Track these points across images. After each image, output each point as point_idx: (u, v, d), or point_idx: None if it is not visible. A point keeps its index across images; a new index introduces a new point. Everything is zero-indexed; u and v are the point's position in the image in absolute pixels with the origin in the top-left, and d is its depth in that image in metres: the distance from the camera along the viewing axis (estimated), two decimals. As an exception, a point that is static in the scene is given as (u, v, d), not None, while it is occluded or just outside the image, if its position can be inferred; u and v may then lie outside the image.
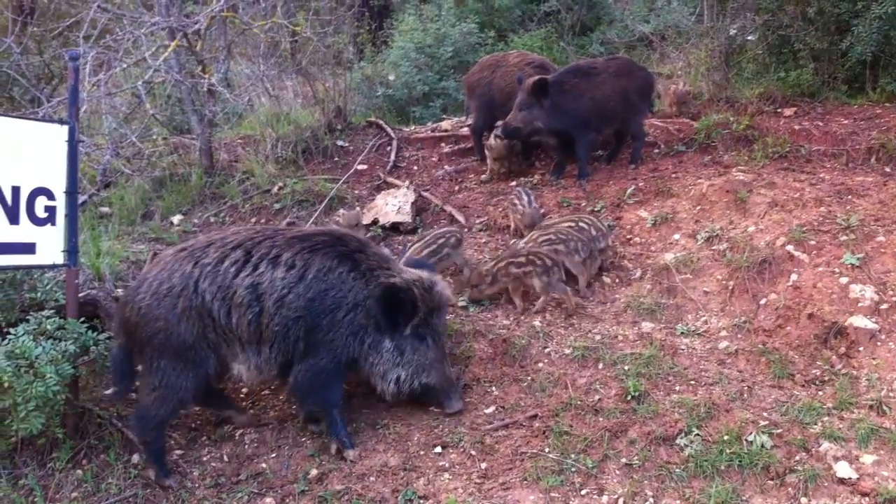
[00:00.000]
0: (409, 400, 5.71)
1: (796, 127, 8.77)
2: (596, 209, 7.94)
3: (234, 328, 5.31)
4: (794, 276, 6.48)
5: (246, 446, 5.72)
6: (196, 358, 5.34)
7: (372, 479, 5.31)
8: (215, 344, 5.35)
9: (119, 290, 6.80)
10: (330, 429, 5.52)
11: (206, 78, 8.28)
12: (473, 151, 9.42)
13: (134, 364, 5.53)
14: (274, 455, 5.62)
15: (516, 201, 7.74)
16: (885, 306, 6.06)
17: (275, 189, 8.38)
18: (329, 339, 5.36)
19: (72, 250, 5.67)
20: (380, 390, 5.60)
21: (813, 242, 6.71)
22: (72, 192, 5.69)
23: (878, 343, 5.83)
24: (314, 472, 5.39)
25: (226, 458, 5.64)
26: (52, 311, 5.77)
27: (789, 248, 6.72)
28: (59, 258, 5.67)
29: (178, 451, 5.73)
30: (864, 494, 4.68)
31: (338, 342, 5.37)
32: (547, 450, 5.38)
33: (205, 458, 5.66)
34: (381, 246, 5.89)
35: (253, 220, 8.15)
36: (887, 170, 7.79)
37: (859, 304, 6.09)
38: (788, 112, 9.34)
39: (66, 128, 5.69)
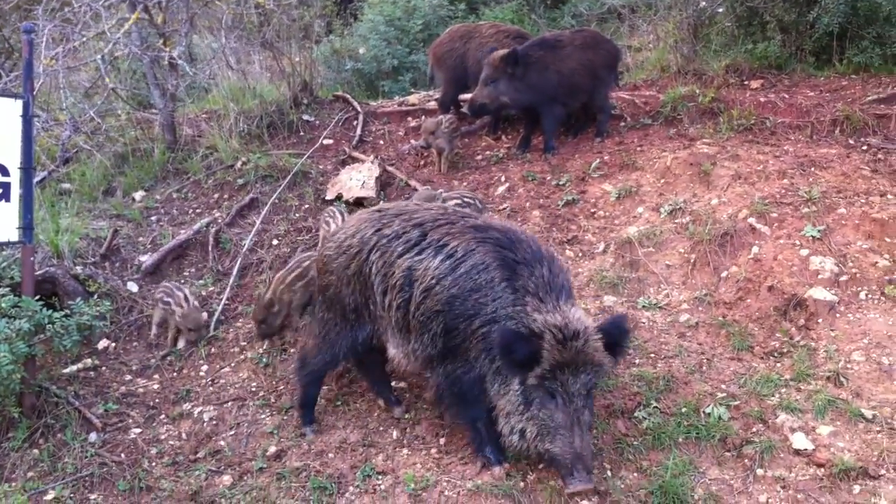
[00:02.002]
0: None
1: (762, 99, 8.75)
2: (561, 183, 7.91)
3: (387, 309, 5.05)
4: (755, 249, 6.48)
5: (204, 424, 5.71)
6: (355, 322, 5.24)
7: (330, 455, 5.30)
8: (374, 317, 5.18)
9: (78, 268, 6.74)
10: (472, 444, 5.06)
11: (168, 51, 8.16)
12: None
13: None
14: (232, 433, 5.61)
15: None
16: (844, 278, 6.09)
17: (238, 164, 8.29)
18: (465, 347, 4.79)
19: (27, 227, 5.61)
20: (502, 432, 4.80)
21: (775, 215, 6.71)
22: (27, 167, 5.62)
23: (837, 315, 5.85)
24: (272, 449, 5.38)
25: (184, 437, 5.63)
26: (6, 289, 5.72)
27: (751, 220, 6.73)
28: (14, 235, 5.60)
29: (136, 430, 5.70)
30: (820, 465, 4.72)
31: (472, 353, 4.78)
32: (506, 424, 5.38)
33: (163, 437, 5.64)
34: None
35: (216, 195, 8.07)
36: (851, 142, 7.80)
37: (819, 276, 6.11)
38: (755, 84, 9.33)
39: (20, 102, 5.62)
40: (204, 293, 6.96)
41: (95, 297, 6.50)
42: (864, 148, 7.67)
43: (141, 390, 6.10)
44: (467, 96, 9.41)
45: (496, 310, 4.67)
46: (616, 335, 4.63)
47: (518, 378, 4.60)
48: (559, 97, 8.38)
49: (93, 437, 5.59)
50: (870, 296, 5.95)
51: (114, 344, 6.55)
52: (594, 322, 4.71)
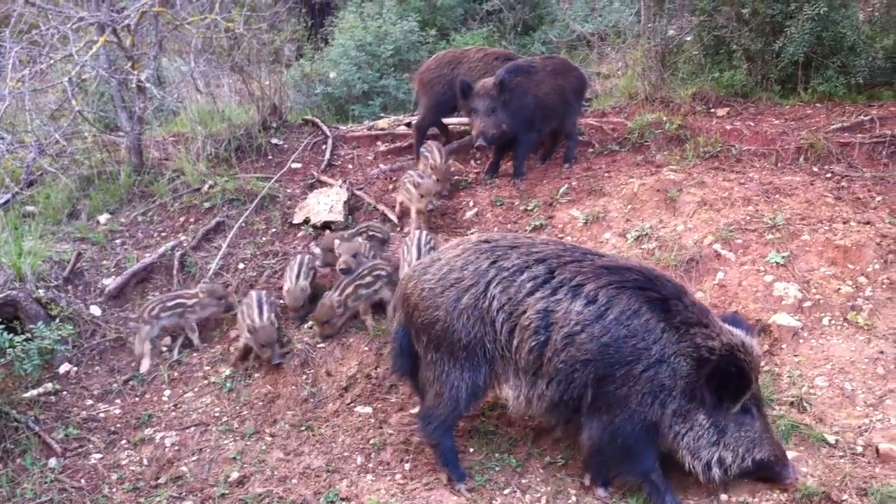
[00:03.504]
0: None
1: (728, 127, 8.84)
2: (529, 208, 7.93)
3: (513, 349, 4.77)
4: (720, 275, 6.52)
5: (166, 450, 5.64)
6: (466, 361, 4.89)
7: (294, 481, 5.25)
8: (491, 356, 4.86)
9: (41, 291, 6.66)
10: (652, 498, 4.79)
11: (136, 74, 8.11)
12: (410, 150, 9.33)
13: (413, 345, 5.15)
14: (194, 458, 5.54)
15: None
16: (808, 304, 6.13)
17: (205, 188, 8.24)
18: (622, 394, 4.61)
19: (-14, 249, 5.54)
20: (694, 471, 4.68)
21: (740, 241, 6.76)
22: (-12, 190, 5.56)
23: (801, 340, 5.88)
24: (235, 475, 5.33)
25: (145, 462, 5.56)
26: (-35, 313, 5.64)
27: (716, 246, 6.77)
28: (-26, 258, 5.53)
29: (97, 455, 5.63)
30: (784, 490, 4.72)
31: (632, 400, 4.60)
32: (472, 450, 5.39)
33: (124, 462, 5.57)
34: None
35: (182, 219, 8.01)
36: (815, 169, 7.88)
37: (783, 302, 6.15)
38: (721, 112, 9.42)
39: (-19, 125, 5.56)
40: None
41: (58, 320, 6.44)
42: (828, 176, 7.75)
43: (102, 415, 6.02)
44: (451, 121, 9.47)
45: (662, 351, 4.55)
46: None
47: (706, 411, 4.56)
48: (535, 123, 8.42)
49: (53, 462, 5.51)
50: (833, 322, 5.99)
51: (75, 368, 6.47)
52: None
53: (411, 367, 5.27)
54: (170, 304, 6.65)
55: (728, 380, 4.44)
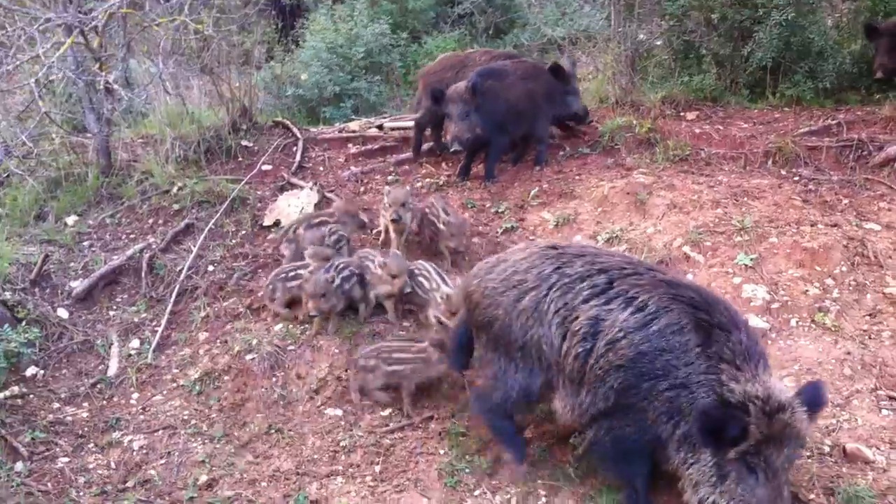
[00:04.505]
0: None
1: (697, 130, 8.91)
2: (500, 210, 7.95)
3: (562, 356, 4.72)
4: (689, 277, 6.55)
5: (134, 453, 5.60)
6: (521, 363, 4.90)
7: (263, 484, 5.24)
8: (546, 363, 4.82)
9: (7, 294, 6.58)
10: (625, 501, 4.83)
11: (104, 76, 8.03)
12: (382, 152, 9.31)
13: (471, 341, 5.31)
14: (163, 462, 5.50)
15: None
16: (776, 305, 6.20)
17: (174, 190, 8.16)
18: (642, 406, 4.49)
19: (-48, 252, 5.47)
20: (689, 502, 4.47)
21: (709, 243, 6.82)
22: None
23: (769, 342, 5.94)
24: (204, 478, 5.30)
25: (113, 466, 5.52)
26: (-71, 315, 5.56)
27: (686, 248, 6.83)
28: (-62, 260, 5.46)
29: (64, 459, 5.57)
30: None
31: (649, 415, 4.48)
32: (442, 451, 5.39)
33: (91, 466, 5.52)
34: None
35: (150, 221, 7.93)
36: (783, 172, 7.95)
37: (751, 304, 6.22)
38: (691, 116, 9.48)
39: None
40: (136, 320, 6.83)
41: (24, 323, 6.37)
42: (796, 179, 7.83)
43: (69, 418, 5.95)
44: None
45: (688, 375, 4.36)
46: (816, 405, 4.33)
47: (711, 450, 4.27)
48: (507, 126, 8.44)
49: (19, 466, 5.44)
50: (800, 323, 6.06)
51: (42, 371, 6.38)
52: (794, 391, 4.39)
53: (468, 363, 5.58)
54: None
55: (715, 426, 4.13)
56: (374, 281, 6.54)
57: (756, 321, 6.05)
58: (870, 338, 5.91)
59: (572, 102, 8.84)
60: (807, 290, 6.30)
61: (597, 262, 4.77)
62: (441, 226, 7.16)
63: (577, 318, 4.63)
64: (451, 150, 8.27)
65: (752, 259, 6.56)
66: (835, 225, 6.87)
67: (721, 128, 8.98)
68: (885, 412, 5.32)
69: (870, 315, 6.09)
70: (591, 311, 4.59)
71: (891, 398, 5.42)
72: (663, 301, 4.50)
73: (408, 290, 6.49)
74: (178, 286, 7.10)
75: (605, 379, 4.55)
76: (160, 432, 5.75)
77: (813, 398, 4.30)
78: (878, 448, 5.01)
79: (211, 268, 7.35)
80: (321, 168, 9.01)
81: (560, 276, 4.76)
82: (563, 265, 4.80)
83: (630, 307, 4.52)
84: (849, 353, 5.76)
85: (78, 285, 7.07)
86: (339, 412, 5.81)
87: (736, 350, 4.33)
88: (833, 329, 5.99)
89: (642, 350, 4.44)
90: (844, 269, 6.43)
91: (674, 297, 4.51)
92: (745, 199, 7.40)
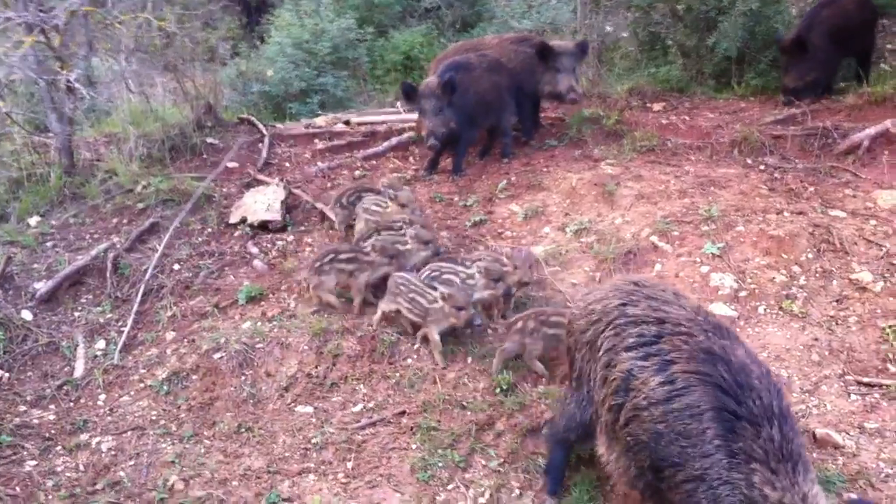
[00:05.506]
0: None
1: (664, 121, 8.95)
2: (468, 203, 7.93)
3: (600, 401, 4.35)
4: (658, 266, 6.58)
5: (103, 455, 5.52)
6: (579, 393, 4.61)
7: (235, 483, 5.19)
8: (594, 402, 4.46)
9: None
10: None
11: (65, 74, 7.92)
12: (349, 147, 9.27)
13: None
14: (132, 463, 5.43)
15: None
16: (743, 293, 6.22)
17: (138, 188, 8.06)
18: (673, 498, 3.97)
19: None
20: None
21: (676, 233, 6.84)
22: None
23: (738, 329, 5.94)
24: (174, 478, 5.22)
25: (81, 468, 5.43)
26: None
27: (653, 238, 6.84)
28: None
29: (32, 462, 5.48)
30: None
31: None
32: (414, 446, 5.37)
33: (59, 469, 5.43)
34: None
35: (115, 220, 7.81)
36: (749, 162, 8.00)
37: (719, 292, 6.24)
38: (657, 107, 9.53)
39: None
40: (102, 320, 6.74)
41: (-13, 326, 6.27)
42: (762, 168, 7.88)
43: (36, 421, 5.85)
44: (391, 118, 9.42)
45: (705, 468, 3.78)
46: None
47: None
48: (476, 119, 8.43)
49: (-9, 470, 5.36)
50: (768, 310, 6.09)
51: (7, 374, 6.27)
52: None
53: None
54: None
55: None
56: (434, 316, 6.05)
57: (724, 309, 6.07)
58: (837, 324, 5.95)
59: (558, 80, 8.76)
60: (774, 278, 6.33)
61: (659, 310, 4.26)
62: None
63: (615, 366, 4.22)
64: (428, 145, 8.23)
65: (719, 248, 6.59)
66: (800, 213, 6.92)
67: (687, 118, 9.03)
68: (853, 397, 5.36)
69: (836, 301, 6.13)
70: (627, 364, 4.14)
71: (859, 383, 5.46)
72: (691, 378, 3.94)
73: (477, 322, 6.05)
74: (143, 285, 7.01)
75: (637, 453, 4.10)
76: (129, 433, 5.68)
77: None
78: (847, 433, 5.04)
79: (177, 266, 7.27)
80: (288, 164, 8.96)
81: (620, 314, 4.33)
82: (628, 303, 4.36)
83: (662, 374, 4.01)
84: (816, 340, 5.80)
85: (42, 286, 6.96)
86: (309, 409, 5.76)
87: (768, 449, 3.70)
88: (800, 316, 6.02)
89: (660, 430, 3.95)
90: (811, 256, 6.47)
91: (703, 375, 3.91)
92: (712, 188, 7.44)
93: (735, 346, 4.01)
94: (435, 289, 6.03)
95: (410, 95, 8.25)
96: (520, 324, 5.82)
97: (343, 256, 6.54)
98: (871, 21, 9.38)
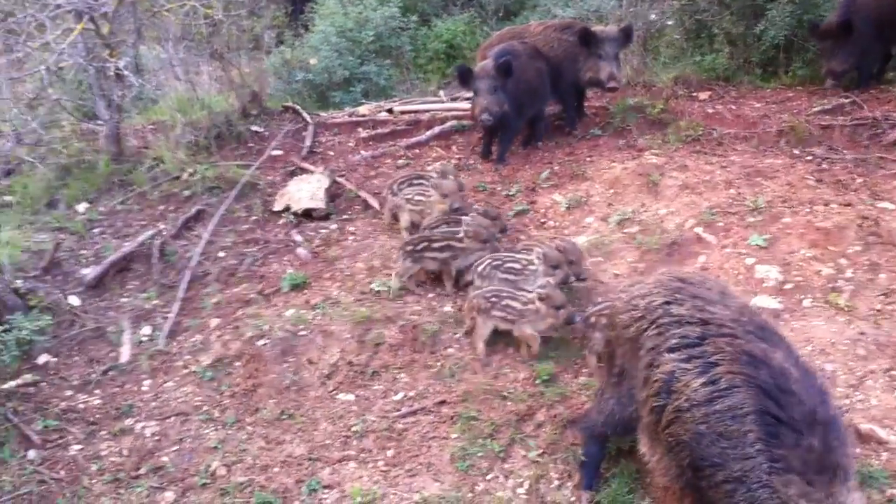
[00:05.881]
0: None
1: (710, 110, 8.84)
2: (511, 193, 7.92)
3: (642, 403, 4.28)
4: (702, 258, 6.52)
5: (146, 440, 5.59)
6: (618, 389, 4.56)
7: (275, 469, 5.24)
8: (635, 401, 4.41)
9: (19, 282, 6.59)
10: None
11: (114, 62, 8.03)
12: (392, 136, 9.30)
13: None
14: (175, 448, 5.50)
15: None
16: (789, 286, 6.14)
17: (185, 176, 8.16)
18: (708, 497, 3.93)
19: (-36, 240, 5.47)
20: None
21: (721, 224, 6.77)
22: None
23: (782, 322, 5.87)
24: (216, 464, 5.28)
25: (125, 453, 5.51)
26: (-60, 303, 5.58)
27: (698, 230, 6.77)
28: (-50, 248, 5.47)
29: (77, 446, 5.56)
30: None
31: None
32: (454, 436, 5.37)
33: (104, 453, 5.51)
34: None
35: (161, 207, 7.93)
36: (796, 152, 7.88)
37: (764, 285, 6.16)
38: (703, 96, 9.41)
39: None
40: (147, 306, 6.83)
41: (36, 311, 6.37)
42: (809, 158, 7.76)
43: (81, 406, 5.95)
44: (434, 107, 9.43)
45: (745, 471, 3.72)
46: None
47: None
48: (523, 107, 8.42)
49: (32, 454, 5.45)
50: (813, 303, 6.00)
51: (54, 359, 6.38)
52: None
53: None
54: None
55: None
56: (530, 316, 5.92)
57: (769, 302, 6.00)
58: (884, 318, 5.84)
59: (599, 67, 8.62)
60: (820, 271, 6.23)
61: (704, 310, 4.16)
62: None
63: (658, 366, 4.13)
64: (481, 118, 8.16)
65: (764, 239, 6.51)
66: (848, 204, 6.80)
67: (733, 107, 8.92)
68: (899, 393, 5.27)
69: (884, 295, 6.02)
70: (670, 366, 4.06)
71: (905, 379, 5.37)
72: (735, 380, 3.85)
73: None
74: (189, 272, 7.09)
75: (678, 453, 4.03)
76: (172, 419, 5.75)
77: None
78: (891, 428, 4.95)
79: (222, 254, 7.35)
80: (331, 153, 9.00)
81: (664, 312, 4.24)
82: (673, 302, 4.26)
83: (705, 375, 3.93)
84: (862, 334, 5.71)
85: (89, 272, 7.07)
86: (351, 397, 5.80)
87: (808, 459, 3.61)
88: (846, 309, 5.92)
89: (701, 430, 3.87)
90: (858, 248, 6.36)
91: (747, 377, 3.83)
92: (758, 178, 7.34)
93: (776, 348, 3.92)
94: (525, 290, 6.00)
95: (466, 77, 8.21)
96: (592, 319, 5.79)
97: (437, 245, 6.60)
98: None
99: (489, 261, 6.34)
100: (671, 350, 4.09)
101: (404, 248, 6.65)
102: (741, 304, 4.32)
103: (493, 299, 5.95)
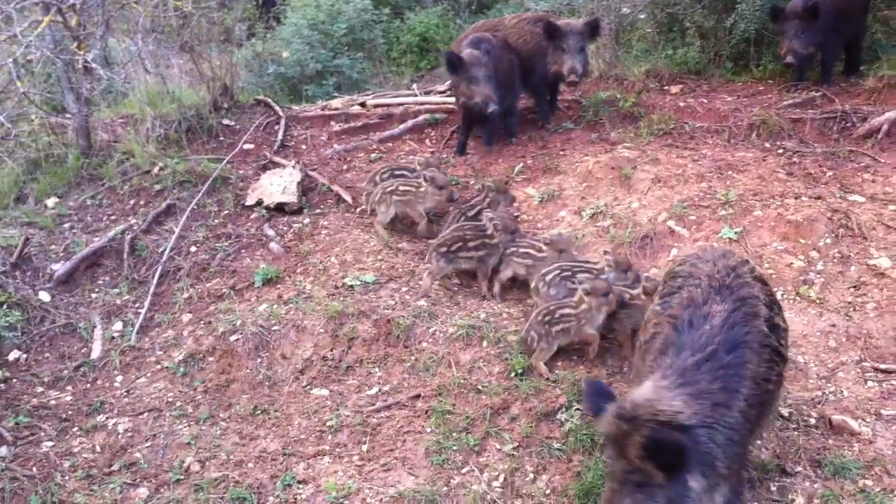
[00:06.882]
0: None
1: (681, 104, 8.88)
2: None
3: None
4: (674, 251, 6.57)
5: (119, 436, 5.57)
6: (643, 361, 4.49)
7: (250, 465, 5.23)
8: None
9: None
10: None
11: (82, 55, 7.93)
12: (364, 130, 9.25)
13: None
14: (148, 444, 5.48)
15: None
16: (760, 279, 6.18)
17: (155, 170, 8.08)
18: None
19: (-71, 236, 5.40)
20: None
21: (693, 217, 6.81)
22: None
23: (754, 315, 5.92)
24: (189, 459, 5.26)
25: (98, 449, 5.48)
26: None
27: (670, 223, 6.82)
28: (-85, 244, 5.39)
29: (49, 443, 5.53)
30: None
31: None
32: (429, 429, 5.37)
33: (76, 450, 5.49)
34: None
35: (132, 202, 7.85)
36: (767, 145, 7.93)
37: (736, 277, 6.19)
38: (674, 89, 9.45)
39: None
40: (119, 302, 6.78)
41: (5, 307, 6.32)
42: (780, 151, 7.81)
43: (53, 402, 5.90)
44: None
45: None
46: None
47: None
48: (504, 98, 8.38)
49: (3, 450, 5.41)
50: (785, 296, 6.05)
51: (25, 355, 6.33)
52: None
53: None
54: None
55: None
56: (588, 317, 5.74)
57: (741, 295, 6.04)
58: (854, 309, 5.92)
59: (563, 60, 8.49)
60: (791, 263, 6.30)
61: (696, 266, 4.50)
62: None
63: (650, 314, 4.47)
64: (489, 111, 8.04)
65: (736, 232, 6.56)
66: (819, 197, 6.86)
67: (705, 101, 8.96)
68: (870, 384, 5.33)
69: (854, 287, 6.10)
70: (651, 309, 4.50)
71: (876, 370, 5.43)
72: (672, 319, 4.17)
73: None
74: (160, 267, 7.05)
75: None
76: (145, 415, 5.72)
77: None
78: (863, 420, 5.02)
79: (193, 248, 7.30)
80: (304, 146, 8.95)
81: (684, 283, 4.42)
82: (690, 275, 4.45)
83: (660, 307, 4.38)
84: (833, 326, 5.78)
85: (59, 268, 7.00)
86: (325, 392, 5.78)
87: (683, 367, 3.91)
88: (818, 301, 5.99)
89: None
90: (829, 241, 6.42)
91: (676, 318, 4.15)
92: (730, 172, 7.39)
93: (723, 302, 4.16)
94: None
95: (456, 65, 8.13)
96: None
97: (472, 244, 6.58)
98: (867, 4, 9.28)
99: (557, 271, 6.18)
100: (660, 296, 4.55)
101: (437, 249, 6.60)
102: (732, 264, 4.46)
103: (548, 318, 5.76)
